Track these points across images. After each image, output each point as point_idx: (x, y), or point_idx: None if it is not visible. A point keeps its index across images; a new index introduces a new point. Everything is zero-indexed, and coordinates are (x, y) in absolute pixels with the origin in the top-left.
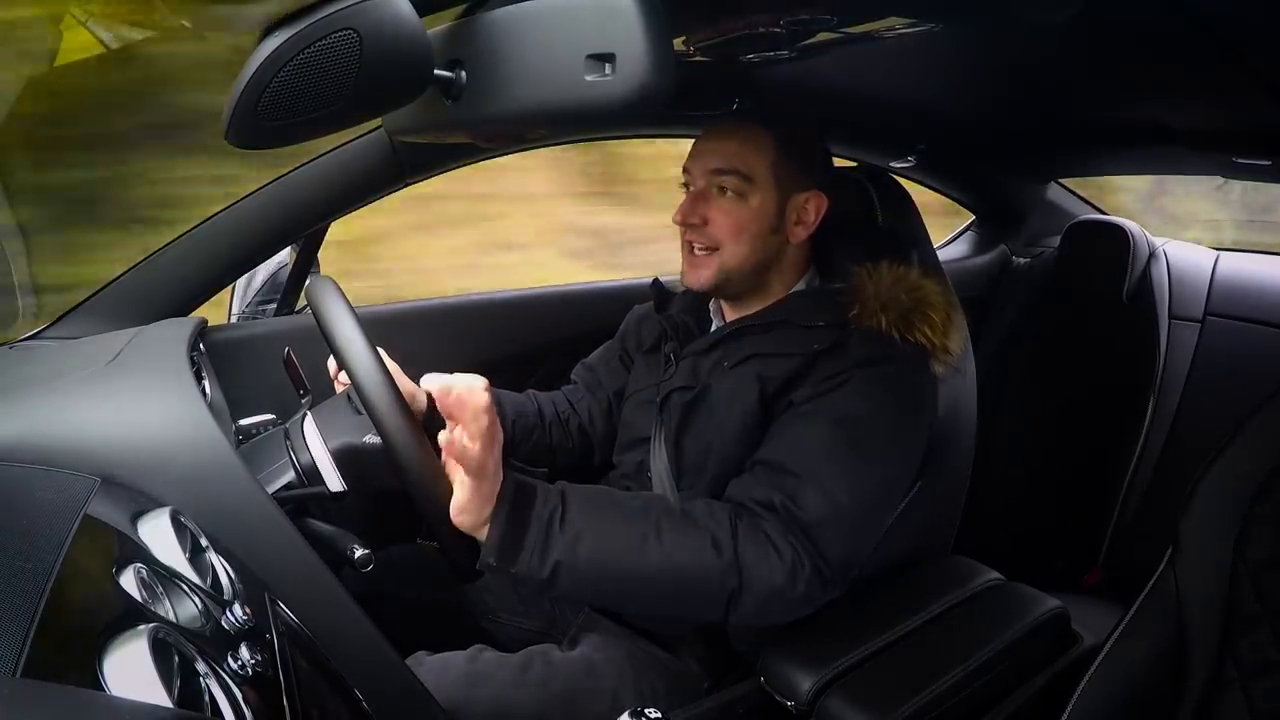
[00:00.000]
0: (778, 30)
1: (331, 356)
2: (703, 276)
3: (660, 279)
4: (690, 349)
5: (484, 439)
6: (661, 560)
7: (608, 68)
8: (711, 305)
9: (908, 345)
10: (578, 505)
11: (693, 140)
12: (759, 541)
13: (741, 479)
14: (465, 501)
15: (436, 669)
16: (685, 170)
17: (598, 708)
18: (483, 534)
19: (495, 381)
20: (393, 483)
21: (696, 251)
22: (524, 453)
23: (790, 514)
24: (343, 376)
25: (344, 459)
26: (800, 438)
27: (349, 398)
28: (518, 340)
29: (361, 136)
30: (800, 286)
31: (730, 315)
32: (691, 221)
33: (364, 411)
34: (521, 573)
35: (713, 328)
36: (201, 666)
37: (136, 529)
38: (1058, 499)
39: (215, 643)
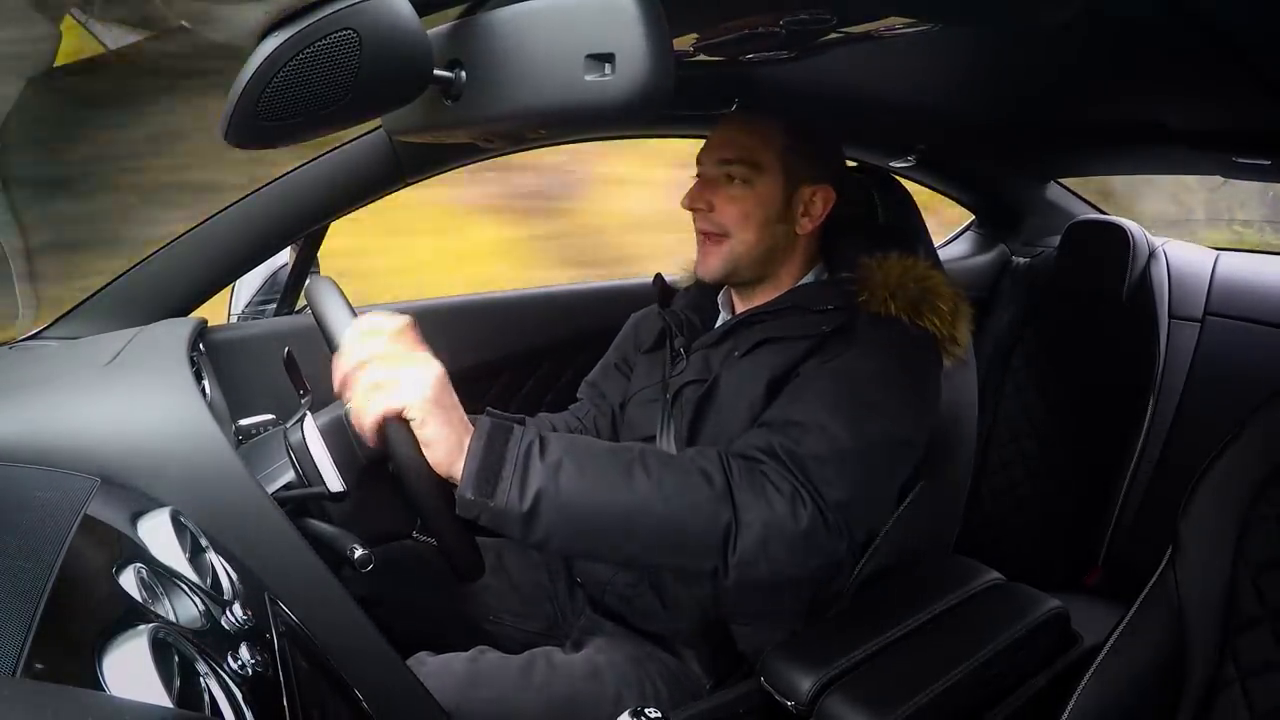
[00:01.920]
0: (778, 30)
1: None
2: (712, 266)
3: (663, 275)
4: (700, 342)
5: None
6: (648, 490)
7: (608, 68)
8: (720, 298)
9: (917, 329)
10: (557, 439)
11: (691, 140)
12: (754, 480)
13: (744, 436)
14: (433, 406)
15: (438, 670)
16: (698, 162)
17: (600, 710)
18: (459, 471)
19: (495, 381)
20: (379, 448)
21: (707, 240)
22: None
23: (790, 452)
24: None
25: (331, 433)
26: (802, 394)
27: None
28: (518, 340)
29: (361, 136)
30: (809, 278)
31: (740, 307)
32: (697, 206)
33: None
34: (500, 506)
35: (719, 320)
36: (201, 666)
37: (136, 529)
38: (1058, 499)
39: (215, 643)
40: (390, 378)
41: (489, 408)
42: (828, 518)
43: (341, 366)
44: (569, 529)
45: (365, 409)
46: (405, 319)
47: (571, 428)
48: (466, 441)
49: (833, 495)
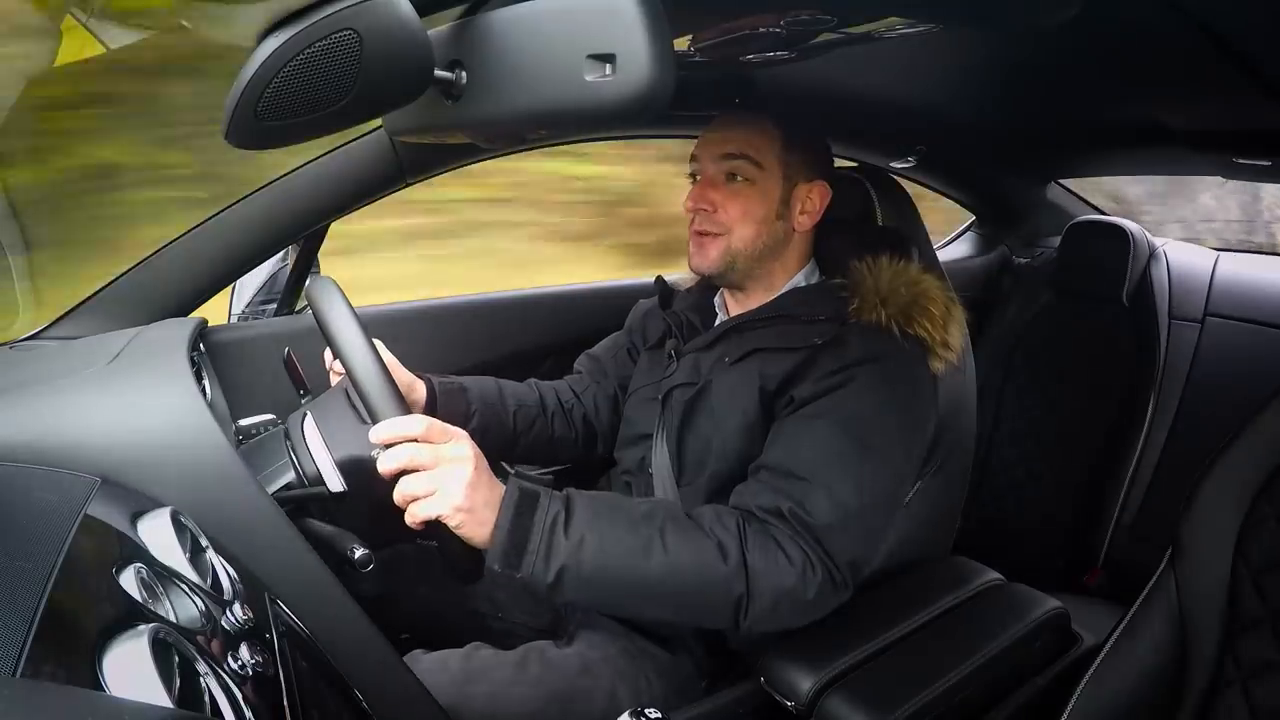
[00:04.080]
0: (778, 31)
1: (328, 348)
2: (709, 258)
3: (664, 276)
4: (691, 345)
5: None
6: (666, 565)
7: (608, 68)
8: (716, 300)
9: (907, 340)
10: (582, 510)
11: (694, 141)
12: (767, 547)
13: (746, 486)
14: (465, 513)
15: (433, 667)
16: (693, 159)
17: (595, 705)
18: (485, 540)
19: None
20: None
21: (702, 236)
22: (524, 444)
23: (799, 519)
24: (338, 366)
25: (349, 469)
26: (804, 441)
27: (347, 394)
28: (518, 340)
29: (361, 136)
30: (800, 281)
31: (734, 310)
32: (702, 207)
33: (367, 419)
34: (526, 578)
35: (717, 322)
36: (201, 666)
37: (136, 529)
38: (1058, 499)
39: (215, 643)
40: (428, 488)
41: (518, 468)
42: (835, 578)
43: (385, 469)
44: (589, 597)
45: (411, 513)
46: (423, 422)
47: (564, 399)
48: (494, 516)
49: (842, 557)
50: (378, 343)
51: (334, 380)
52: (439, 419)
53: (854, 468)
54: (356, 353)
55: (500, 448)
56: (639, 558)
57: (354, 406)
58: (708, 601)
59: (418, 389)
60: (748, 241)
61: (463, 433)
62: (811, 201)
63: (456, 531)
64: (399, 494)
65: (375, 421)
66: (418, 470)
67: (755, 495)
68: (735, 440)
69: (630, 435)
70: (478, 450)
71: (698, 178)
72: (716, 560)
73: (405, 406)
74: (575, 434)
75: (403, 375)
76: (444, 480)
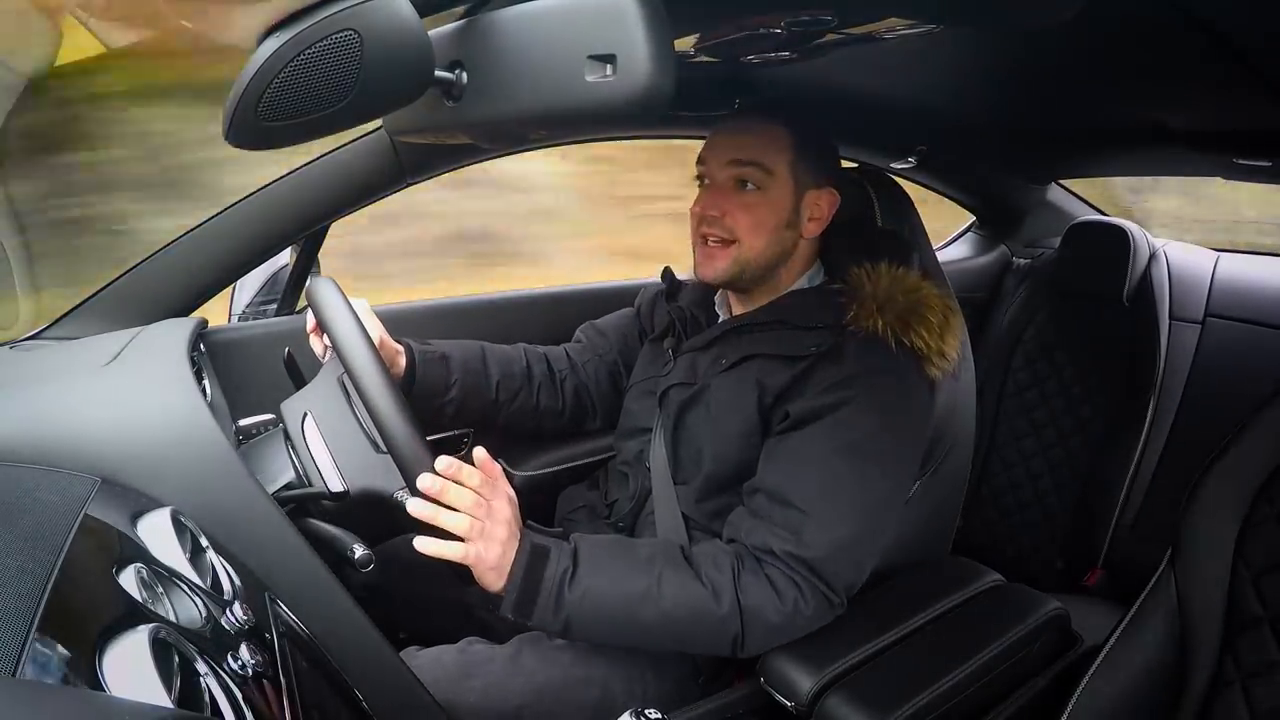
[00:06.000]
0: (779, 31)
1: (310, 313)
2: (718, 268)
3: (671, 268)
4: (689, 345)
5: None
6: (662, 613)
7: (609, 68)
8: (718, 298)
9: (903, 351)
10: (587, 563)
11: (696, 141)
12: (761, 586)
13: (742, 517)
14: (491, 568)
15: (429, 663)
16: (701, 162)
17: (588, 695)
18: (498, 589)
19: None
20: (412, 526)
21: (711, 243)
22: (506, 414)
23: (795, 556)
24: (315, 327)
25: (365, 500)
26: (800, 467)
27: (341, 383)
28: (520, 340)
29: (362, 137)
30: (804, 283)
31: (735, 309)
32: (711, 214)
33: (362, 417)
34: (535, 625)
35: (719, 320)
36: (201, 666)
37: (136, 529)
38: (1058, 499)
39: (215, 643)
40: (471, 533)
41: (529, 521)
42: (833, 600)
43: (430, 493)
44: (594, 637)
45: (439, 549)
46: (476, 476)
47: (558, 368)
48: (508, 566)
49: (838, 581)
50: (365, 308)
51: (314, 343)
52: (419, 387)
53: (851, 495)
54: (357, 355)
55: (481, 417)
56: (637, 607)
57: (349, 398)
58: (705, 639)
59: (399, 361)
60: (757, 251)
61: (511, 493)
62: (819, 208)
63: (476, 577)
64: (446, 522)
65: (382, 434)
66: (465, 512)
67: (750, 531)
68: (731, 445)
69: (629, 428)
70: (515, 512)
71: (705, 181)
72: (711, 605)
73: (414, 418)
74: (562, 405)
75: (387, 345)
76: (489, 533)
